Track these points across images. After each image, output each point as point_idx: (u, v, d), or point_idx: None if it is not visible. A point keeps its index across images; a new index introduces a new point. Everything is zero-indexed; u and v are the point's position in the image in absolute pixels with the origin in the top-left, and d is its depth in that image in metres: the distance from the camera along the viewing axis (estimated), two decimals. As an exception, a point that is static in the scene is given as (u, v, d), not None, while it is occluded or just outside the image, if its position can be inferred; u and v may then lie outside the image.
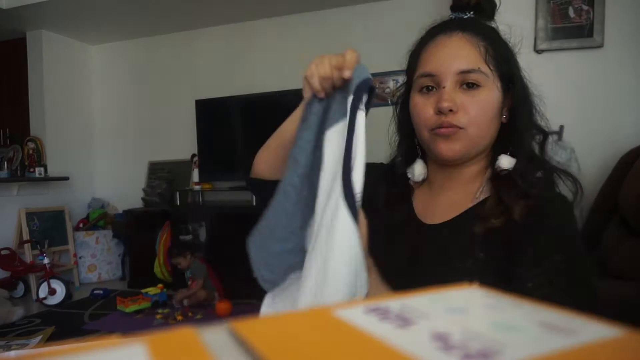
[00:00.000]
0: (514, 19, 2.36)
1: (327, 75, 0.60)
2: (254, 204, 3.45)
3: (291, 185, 0.63)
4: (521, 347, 0.14)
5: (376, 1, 3.35)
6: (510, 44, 0.72)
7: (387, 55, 3.25)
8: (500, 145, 0.70)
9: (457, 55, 0.66)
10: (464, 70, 0.65)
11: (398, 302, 0.18)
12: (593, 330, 0.15)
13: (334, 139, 0.60)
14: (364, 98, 0.57)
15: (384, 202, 0.77)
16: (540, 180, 0.66)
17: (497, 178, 0.68)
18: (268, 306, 0.68)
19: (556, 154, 2.14)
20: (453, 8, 0.72)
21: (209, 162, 3.62)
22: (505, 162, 0.67)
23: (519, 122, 0.69)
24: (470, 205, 0.68)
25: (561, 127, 2.23)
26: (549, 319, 0.16)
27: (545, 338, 0.14)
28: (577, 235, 0.63)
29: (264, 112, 3.43)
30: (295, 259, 0.64)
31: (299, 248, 0.64)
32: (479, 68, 0.65)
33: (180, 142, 3.92)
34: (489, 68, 0.66)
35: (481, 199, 0.68)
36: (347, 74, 0.58)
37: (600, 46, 2.22)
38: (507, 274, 0.60)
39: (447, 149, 0.67)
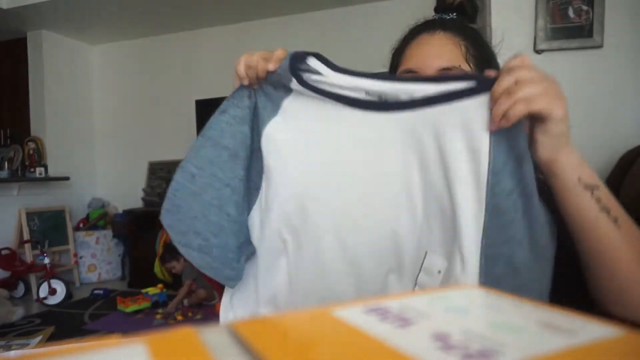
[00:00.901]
0: (514, 18, 2.37)
1: (253, 64, 0.63)
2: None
3: (238, 179, 0.64)
4: (521, 347, 0.14)
5: (376, 1, 3.35)
6: (491, 46, 0.73)
7: (387, 55, 3.25)
8: None
9: (439, 52, 0.67)
10: (444, 67, 0.66)
11: (398, 302, 0.18)
12: (593, 330, 0.15)
13: (277, 137, 0.63)
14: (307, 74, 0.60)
15: None
16: None
17: None
18: (226, 308, 0.68)
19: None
20: (436, 9, 0.73)
21: (209, 162, 3.62)
22: None
23: None
24: None
25: (561, 127, 2.23)
26: (549, 319, 0.16)
27: (545, 338, 0.14)
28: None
29: (264, 112, 3.44)
30: (250, 250, 0.66)
31: (249, 240, 0.66)
32: (459, 65, 0.66)
33: (180, 142, 3.92)
34: (470, 66, 0.67)
35: None
36: (270, 66, 0.61)
37: (600, 46, 2.22)
38: None
39: None
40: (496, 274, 0.50)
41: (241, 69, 0.64)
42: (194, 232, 0.63)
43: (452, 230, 0.53)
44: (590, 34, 2.21)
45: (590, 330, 0.15)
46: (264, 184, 0.66)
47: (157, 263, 3.47)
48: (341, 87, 0.58)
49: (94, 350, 0.14)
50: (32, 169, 3.62)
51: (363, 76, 0.56)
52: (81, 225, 3.89)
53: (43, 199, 3.69)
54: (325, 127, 0.61)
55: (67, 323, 2.76)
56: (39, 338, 2.46)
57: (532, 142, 0.51)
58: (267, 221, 0.64)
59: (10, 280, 3.28)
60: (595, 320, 0.16)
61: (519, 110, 0.46)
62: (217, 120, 0.70)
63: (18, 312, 2.81)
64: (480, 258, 0.50)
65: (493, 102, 0.48)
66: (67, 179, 3.80)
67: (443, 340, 0.14)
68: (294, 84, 0.61)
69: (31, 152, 3.71)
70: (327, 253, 0.59)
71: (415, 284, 0.56)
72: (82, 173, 4.09)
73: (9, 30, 3.79)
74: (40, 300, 3.14)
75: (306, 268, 0.61)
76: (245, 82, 0.64)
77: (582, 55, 2.25)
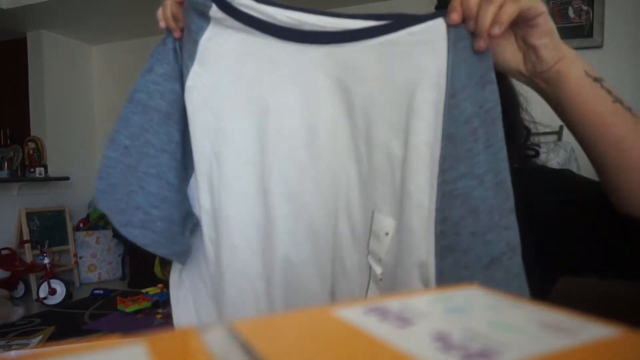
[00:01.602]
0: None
1: (165, 2, 0.58)
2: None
3: (174, 143, 0.59)
4: (521, 347, 0.14)
5: (376, 1, 3.35)
6: None
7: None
8: None
9: None
10: None
11: (398, 302, 0.18)
12: (593, 330, 0.15)
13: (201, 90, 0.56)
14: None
15: None
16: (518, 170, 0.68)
17: None
18: (176, 285, 0.65)
19: (556, 154, 2.14)
20: (437, 8, 0.72)
21: (209, 162, 3.62)
22: None
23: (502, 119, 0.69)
24: None
25: (561, 127, 2.23)
26: (549, 319, 0.16)
27: (545, 338, 0.14)
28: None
29: (264, 112, 3.43)
30: (193, 221, 0.61)
31: (191, 210, 0.61)
32: None
33: (181, 142, 3.92)
34: None
35: None
36: None
37: (600, 46, 2.22)
38: None
39: None
40: (453, 218, 0.45)
41: (159, 12, 0.58)
42: (134, 207, 0.57)
43: (401, 180, 0.48)
44: (590, 34, 2.21)
45: (590, 330, 0.15)
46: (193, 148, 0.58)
47: (157, 263, 3.47)
48: (271, 17, 0.51)
49: (94, 350, 0.14)
50: (32, 169, 3.62)
51: (294, 9, 0.49)
52: (81, 225, 3.89)
53: (43, 199, 3.69)
54: (254, 67, 0.54)
55: (67, 323, 2.76)
56: (39, 338, 2.46)
57: (527, 53, 0.49)
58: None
59: (10, 280, 3.28)
60: (595, 320, 0.16)
61: (511, 10, 0.43)
62: (143, 80, 0.63)
63: (18, 312, 2.81)
64: (437, 200, 0.45)
65: (470, 16, 0.44)
66: (67, 179, 3.79)
67: (443, 340, 0.14)
68: (214, 10, 0.53)
69: (31, 152, 3.70)
70: (275, 205, 0.54)
71: (368, 252, 0.52)
72: (82, 173, 4.08)
73: (9, 31, 3.78)
74: (40, 301, 3.14)
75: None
76: (162, 25, 0.59)
77: (582, 55, 2.23)
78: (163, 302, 3.01)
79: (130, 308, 2.86)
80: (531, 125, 0.75)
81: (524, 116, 0.74)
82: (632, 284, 1.49)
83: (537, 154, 0.73)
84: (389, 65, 0.48)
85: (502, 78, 0.69)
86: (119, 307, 2.92)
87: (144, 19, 3.67)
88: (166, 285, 3.16)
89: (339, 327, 0.16)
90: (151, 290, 3.04)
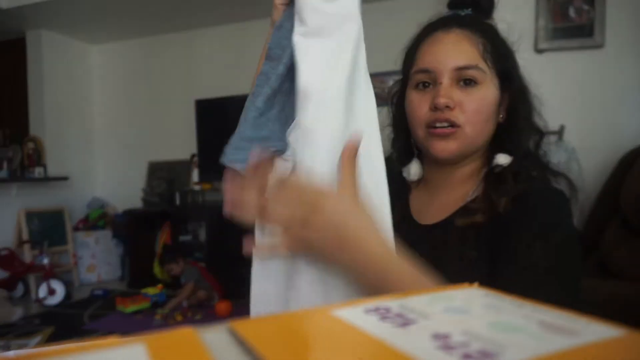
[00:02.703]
0: (515, 18, 2.36)
1: None
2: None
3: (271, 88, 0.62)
4: (521, 347, 0.14)
5: (376, 1, 3.35)
6: (509, 43, 0.70)
7: (387, 55, 3.24)
8: (496, 145, 0.68)
9: (455, 51, 0.65)
10: (461, 66, 0.64)
11: (398, 302, 0.18)
12: (593, 331, 0.15)
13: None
14: None
15: None
16: (534, 178, 0.66)
17: (490, 175, 0.68)
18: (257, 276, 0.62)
19: (556, 154, 2.14)
20: (450, 5, 0.71)
21: (209, 162, 3.62)
22: (502, 159, 0.67)
23: (516, 122, 0.68)
24: (462, 204, 0.68)
25: (561, 127, 2.23)
26: (549, 319, 0.16)
27: (545, 338, 0.14)
28: (567, 227, 0.61)
29: (264, 112, 3.44)
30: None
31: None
32: (476, 65, 0.64)
33: (180, 142, 3.92)
34: (487, 65, 0.65)
35: (473, 196, 0.68)
36: None
37: (600, 46, 2.22)
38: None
39: (442, 148, 0.66)
40: None
41: None
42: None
43: None
44: (591, 34, 2.21)
45: (590, 330, 0.15)
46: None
47: (156, 263, 3.47)
48: None
49: (94, 350, 0.14)
50: (31, 169, 3.62)
51: None
52: (81, 225, 3.89)
53: (42, 199, 3.69)
54: None
55: (67, 323, 2.76)
56: (38, 338, 2.46)
57: None
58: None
59: (10, 280, 3.28)
60: (596, 320, 0.16)
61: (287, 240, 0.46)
62: (275, 37, 0.66)
63: (17, 313, 2.81)
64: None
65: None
66: (66, 179, 3.79)
67: (443, 340, 0.14)
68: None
69: (30, 152, 3.70)
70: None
71: None
72: (82, 173, 4.09)
73: (9, 30, 3.79)
74: (39, 301, 3.13)
75: None
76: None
77: (582, 55, 2.25)
78: (162, 303, 3.01)
79: (130, 308, 2.86)
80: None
81: (537, 120, 0.71)
82: (632, 284, 1.49)
83: (546, 165, 0.71)
84: None
85: (516, 76, 0.68)
86: (118, 307, 2.92)
87: (144, 19, 3.68)
88: (166, 285, 3.16)
89: (339, 327, 0.16)
90: (150, 290, 3.03)
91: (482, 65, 0.65)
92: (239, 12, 3.56)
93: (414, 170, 0.74)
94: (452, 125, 0.64)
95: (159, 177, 3.89)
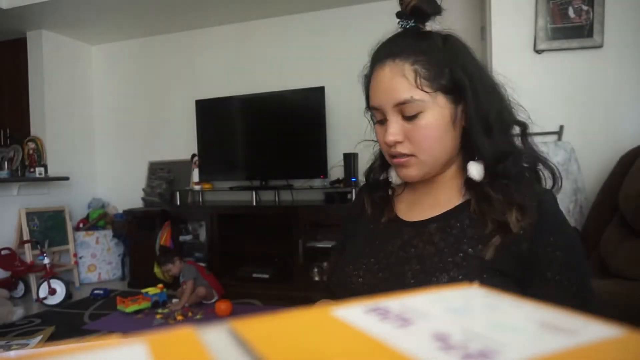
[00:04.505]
0: (514, 18, 2.37)
1: None
2: (254, 204, 3.46)
3: None
4: (521, 347, 0.14)
5: (376, 1, 3.35)
6: (456, 45, 0.69)
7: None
8: (468, 148, 0.69)
9: (390, 88, 0.66)
10: (397, 103, 0.66)
11: (398, 302, 0.18)
12: (593, 330, 0.15)
13: None
14: None
15: (370, 206, 0.80)
16: (518, 182, 0.66)
17: (472, 188, 0.68)
18: None
19: (556, 154, 2.14)
20: (397, 15, 0.70)
21: (209, 162, 3.62)
22: (474, 171, 0.67)
23: (478, 123, 0.67)
24: (457, 202, 0.70)
25: (561, 127, 2.23)
26: (549, 319, 0.16)
27: (545, 338, 0.14)
28: (573, 234, 0.66)
29: (264, 112, 3.43)
30: None
31: None
32: (411, 97, 0.64)
33: (180, 142, 3.92)
34: (424, 91, 0.65)
35: (466, 198, 0.70)
36: None
37: (600, 46, 2.22)
38: (498, 272, 0.61)
39: (404, 175, 0.70)
40: None
41: None
42: None
43: None
44: (590, 34, 2.21)
45: (590, 330, 0.15)
46: None
47: (156, 263, 3.47)
48: None
49: (94, 350, 0.14)
50: (32, 169, 3.62)
51: None
52: (81, 225, 3.89)
53: (43, 199, 3.69)
54: None
55: (67, 323, 2.76)
56: (39, 338, 2.46)
57: None
58: None
59: (10, 280, 3.28)
60: (596, 320, 0.16)
61: None
62: None
63: (18, 312, 2.81)
64: None
65: None
66: (66, 179, 3.80)
67: (443, 340, 0.14)
68: None
69: (31, 152, 3.71)
70: None
71: None
72: (82, 173, 4.09)
73: (9, 30, 3.79)
74: (40, 301, 3.14)
75: None
76: None
77: (582, 55, 2.25)
78: (163, 302, 3.01)
79: (130, 308, 2.86)
80: (529, 123, 0.73)
81: (518, 112, 0.72)
82: (632, 283, 1.49)
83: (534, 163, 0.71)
84: None
85: (468, 79, 0.66)
86: (118, 307, 2.92)
87: (144, 19, 3.68)
88: (166, 285, 3.16)
89: (339, 327, 0.16)
90: (151, 290, 3.03)
91: (418, 94, 0.64)
92: (239, 12, 3.56)
93: (394, 176, 0.77)
94: (405, 155, 0.67)
95: (159, 177, 3.89)
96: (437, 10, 0.70)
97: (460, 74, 0.66)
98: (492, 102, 0.68)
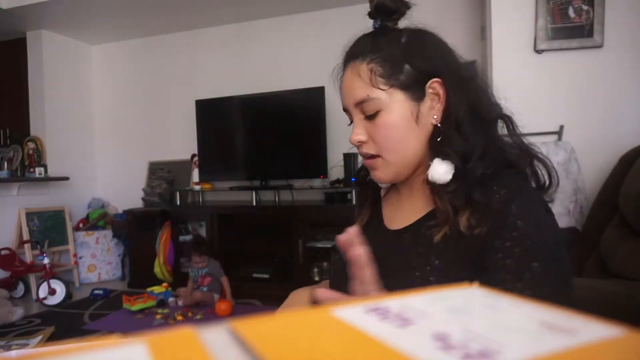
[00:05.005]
0: (514, 18, 2.36)
1: None
2: (254, 204, 3.46)
3: None
4: (521, 347, 0.14)
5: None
6: (421, 38, 0.66)
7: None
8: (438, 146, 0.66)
9: (349, 89, 0.66)
10: (356, 102, 0.65)
11: (398, 302, 0.18)
12: (593, 330, 0.15)
13: None
14: None
15: (358, 207, 0.79)
16: (492, 181, 0.61)
17: (433, 187, 0.64)
18: None
19: (556, 154, 2.14)
20: (369, 15, 0.69)
21: (209, 162, 3.62)
22: (436, 170, 0.63)
23: (447, 119, 0.64)
24: (430, 208, 0.66)
25: (561, 127, 2.23)
26: (549, 319, 0.16)
27: (545, 338, 0.14)
28: (551, 230, 0.59)
29: (264, 112, 3.43)
30: None
31: None
32: (367, 95, 0.64)
33: (180, 142, 3.92)
34: (381, 88, 0.63)
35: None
36: None
37: (600, 46, 2.22)
38: (468, 280, 0.59)
39: (375, 177, 0.69)
40: None
41: None
42: None
43: None
44: (590, 34, 2.21)
45: (590, 330, 0.15)
46: None
47: (157, 263, 3.47)
48: None
49: (94, 350, 0.14)
50: (31, 169, 3.62)
51: None
52: (81, 225, 3.89)
53: (43, 199, 3.69)
54: None
55: (67, 323, 2.76)
56: (39, 338, 2.46)
57: None
58: None
59: (10, 280, 3.28)
60: (596, 320, 0.16)
61: None
62: None
63: (18, 312, 2.81)
64: None
65: None
66: (66, 179, 3.80)
67: (443, 340, 0.14)
68: None
69: (31, 152, 3.71)
70: None
71: None
72: (82, 173, 4.09)
73: (9, 30, 3.79)
74: (40, 301, 3.14)
75: None
76: None
77: (582, 55, 2.25)
78: (168, 301, 3.02)
79: (136, 306, 2.88)
80: (518, 121, 0.69)
81: (501, 105, 0.68)
82: (632, 283, 1.49)
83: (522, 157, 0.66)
84: None
85: (436, 71, 0.63)
86: (124, 305, 2.93)
87: (144, 19, 3.68)
88: (169, 284, 3.16)
89: (339, 327, 0.16)
90: (156, 289, 3.05)
91: (374, 92, 0.63)
92: (239, 12, 3.56)
93: None
94: (373, 156, 0.67)
95: (159, 177, 3.89)
96: (404, 5, 0.67)
97: (423, 68, 0.64)
98: (462, 96, 0.64)
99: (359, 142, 0.66)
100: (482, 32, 2.79)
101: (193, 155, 3.70)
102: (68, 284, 3.28)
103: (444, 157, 0.63)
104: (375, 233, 0.72)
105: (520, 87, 2.27)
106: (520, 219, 0.57)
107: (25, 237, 3.41)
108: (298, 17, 3.60)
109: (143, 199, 3.84)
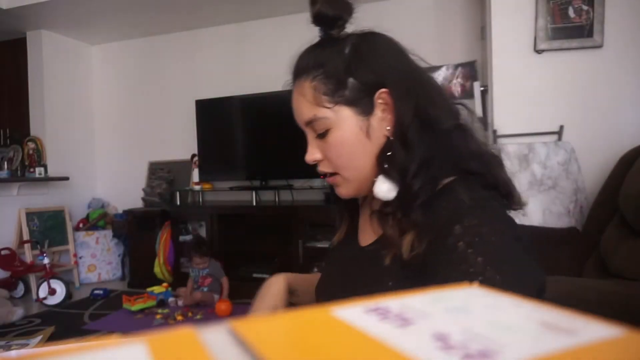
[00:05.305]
0: (514, 18, 2.36)
1: None
2: (254, 204, 3.46)
3: None
4: (521, 347, 0.14)
5: (376, 1, 3.35)
6: (366, 45, 0.62)
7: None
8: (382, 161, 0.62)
9: (297, 109, 0.65)
10: (305, 122, 0.64)
11: (398, 302, 0.18)
12: (593, 330, 0.15)
13: None
14: None
15: (338, 219, 0.77)
16: (438, 198, 0.57)
17: (378, 210, 0.62)
18: None
19: (556, 154, 2.14)
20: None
21: (209, 162, 3.62)
22: (383, 187, 0.59)
23: (395, 131, 0.59)
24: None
25: (561, 127, 2.23)
26: (549, 319, 0.16)
27: (545, 338, 0.14)
28: (502, 254, 0.51)
29: (264, 112, 3.43)
30: None
31: None
32: (314, 115, 0.61)
33: (180, 142, 3.92)
34: (325, 107, 0.60)
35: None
36: None
37: (600, 46, 2.22)
38: None
39: (339, 193, 0.66)
40: None
41: None
42: None
43: None
44: (590, 34, 2.21)
45: (590, 330, 0.15)
46: None
47: (157, 263, 3.47)
48: None
49: (94, 350, 0.14)
50: (31, 169, 3.62)
51: None
52: (81, 225, 3.89)
53: (43, 199, 3.69)
54: None
55: (67, 323, 2.76)
56: (39, 338, 2.46)
57: None
58: None
59: (10, 280, 3.28)
60: (596, 320, 0.16)
61: None
62: None
63: (18, 312, 2.81)
64: None
65: None
66: (66, 179, 3.80)
67: (443, 340, 0.14)
68: None
69: (31, 152, 3.71)
70: None
71: None
72: (82, 173, 4.09)
73: (9, 30, 3.79)
74: (40, 301, 3.14)
75: None
76: None
77: (582, 55, 2.25)
78: (168, 301, 3.02)
79: (136, 306, 2.87)
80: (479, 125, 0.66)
81: (460, 110, 0.64)
82: (632, 283, 1.49)
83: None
84: None
85: (400, 65, 0.60)
86: (124, 305, 2.93)
87: (144, 19, 3.68)
88: (169, 284, 3.16)
89: (339, 327, 0.16)
90: (156, 289, 3.05)
91: (320, 111, 0.61)
92: (239, 12, 3.56)
93: None
94: (332, 174, 0.64)
95: (159, 177, 3.89)
96: (345, 11, 0.63)
97: (368, 80, 0.60)
98: (409, 105, 0.59)
99: (314, 161, 0.64)
100: (482, 32, 2.79)
101: (193, 155, 3.70)
102: (68, 284, 3.28)
103: (384, 172, 0.59)
104: (348, 248, 0.71)
105: (520, 87, 2.27)
106: (462, 240, 0.51)
107: (25, 237, 3.41)
108: (298, 17, 3.60)
109: (143, 199, 3.84)
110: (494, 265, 0.49)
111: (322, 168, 0.65)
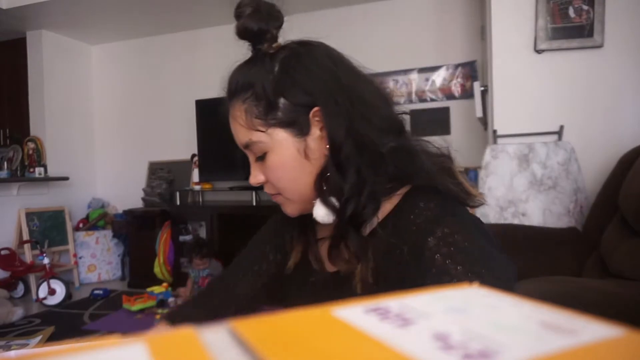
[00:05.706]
0: (514, 18, 2.36)
1: None
2: (254, 204, 3.46)
3: None
4: (521, 347, 0.14)
5: (376, 1, 3.35)
6: (296, 59, 0.59)
7: (387, 55, 3.24)
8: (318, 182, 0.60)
9: (234, 132, 0.63)
10: (243, 146, 0.62)
11: (398, 302, 0.18)
12: (594, 330, 0.15)
13: None
14: None
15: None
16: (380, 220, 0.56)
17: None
18: None
19: (556, 154, 2.14)
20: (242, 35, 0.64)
21: (209, 162, 3.62)
22: (320, 211, 0.57)
23: (331, 150, 0.57)
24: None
25: (561, 127, 2.23)
26: (550, 319, 0.16)
27: (545, 338, 0.14)
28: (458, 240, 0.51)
29: (264, 112, 3.44)
30: None
31: None
32: (249, 139, 0.59)
33: (180, 142, 3.92)
34: (259, 130, 0.58)
35: None
36: None
37: (600, 46, 2.22)
38: None
39: (285, 212, 0.64)
40: None
41: None
42: None
43: None
44: (590, 34, 2.21)
45: (590, 330, 0.15)
46: None
47: (157, 263, 3.47)
48: None
49: (94, 350, 0.14)
50: (31, 169, 3.62)
51: None
52: (81, 225, 3.89)
53: (43, 199, 3.69)
54: None
55: (67, 323, 2.76)
56: (38, 338, 2.46)
57: None
58: None
59: (10, 280, 3.28)
60: (596, 320, 0.16)
61: None
62: None
63: (18, 312, 2.81)
64: None
65: None
66: (66, 179, 3.80)
67: (443, 340, 0.14)
68: None
69: (31, 152, 3.71)
70: None
71: None
72: (82, 173, 4.09)
73: (9, 30, 3.79)
74: (40, 301, 3.14)
75: None
76: None
77: (582, 55, 2.25)
78: (168, 301, 3.02)
79: (136, 306, 2.87)
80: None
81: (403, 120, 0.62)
82: (632, 283, 1.49)
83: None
84: None
85: (333, 79, 0.57)
86: (124, 305, 2.93)
87: (144, 19, 3.68)
88: (169, 284, 3.16)
89: (339, 327, 0.16)
90: (156, 289, 3.05)
91: (255, 135, 0.58)
92: (239, 12, 3.56)
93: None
94: (276, 194, 0.63)
95: (159, 177, 3.89)
96: (274, 24, 0.60)
97: (300, 99, 0.57)
98: (340, 122, 0.55)
99: (257, 183, 0.62)
100: (482, 32, 2.79)
101: (193, 155, 3.70)
102: (68, 284, 3.28)
103: (320, 195, 0.57)
104: (314, 274, 0.66)
105: (520, 87, 2.27)
106: (438, 252, 0.51)
107: (25, 237, 3.41)
108: (298, 17, 3.60)
109: (143, 199, 3.84)
110: (474, 270, 0.49)
111: (267, 190, 0.63)
